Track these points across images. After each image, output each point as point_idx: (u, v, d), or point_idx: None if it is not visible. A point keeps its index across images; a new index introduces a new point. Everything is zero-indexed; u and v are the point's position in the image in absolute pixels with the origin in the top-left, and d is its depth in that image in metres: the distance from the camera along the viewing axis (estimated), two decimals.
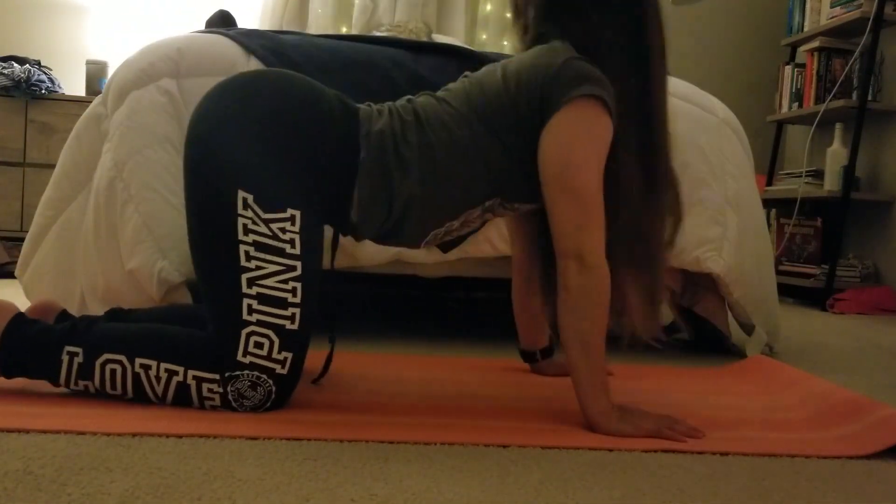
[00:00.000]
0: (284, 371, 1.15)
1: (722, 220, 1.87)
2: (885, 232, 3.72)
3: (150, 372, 1.14)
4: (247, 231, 1.13)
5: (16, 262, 1.90)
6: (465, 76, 1.33)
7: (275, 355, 1.14)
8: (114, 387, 1.15)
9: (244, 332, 1.13)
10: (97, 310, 1.59)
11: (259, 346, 1.13)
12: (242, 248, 1.13)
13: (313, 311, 1.18)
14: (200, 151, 1.18)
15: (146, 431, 1.02)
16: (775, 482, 0.96)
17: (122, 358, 1.14)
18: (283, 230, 1.14)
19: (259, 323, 1.13)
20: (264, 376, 1.14)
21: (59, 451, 0.93)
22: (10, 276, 3.06)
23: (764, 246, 1.99)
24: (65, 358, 1.15)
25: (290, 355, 1.15)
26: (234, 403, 1.15)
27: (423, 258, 1.79)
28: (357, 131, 1.22)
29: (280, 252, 1.14)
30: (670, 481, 0.95)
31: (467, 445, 1.05)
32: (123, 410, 1.12)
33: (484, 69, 1.32)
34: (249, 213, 1.13)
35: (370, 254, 1.76)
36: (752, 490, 0.93)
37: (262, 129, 1.17)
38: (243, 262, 1.13)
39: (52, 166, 1.91)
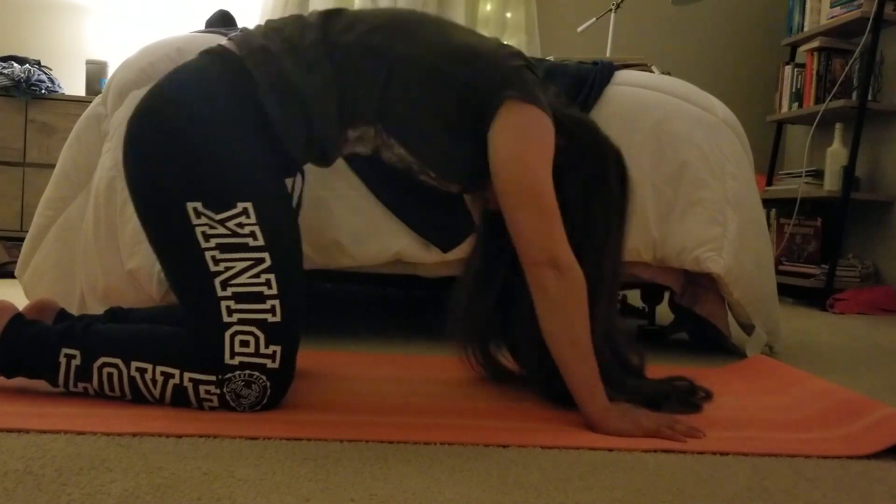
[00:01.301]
0: (276, 365, 1.15)
1: (722, 220, 1.87)
2: (885, 232, 3.72)
3: (146, 375, 1.14)
4: (207, 237, 1.13)
5: (16, 262, 1.90)
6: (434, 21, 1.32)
7: (263, 350, 1.14)
8: (112, 389, 1.16)
9: (227, 333, 1.13)
10: (97, 309, 1.59)
11: (245, 344, 1.13)
12: (208, 254, 1.14)
13: (296, 300, 1.17)
14: (141, 188, 1.19)
15: (146, 431, 1.02)
16: (775, 482, 0.96)
17: (118, 361, 1.14)
18: (241, 225, 1.14)
19: (241, 322, 1.13)
20: (256, 373, 1.14)
21: (59, 451, 0.93)
22: (10, 276, 3.06)
23: (764, 246, 1.99)
24: (62, 360, 1.15)
25: (278, 348, 1.15)
26: (232, 403, 1.15)
27: (423, 258, 1.79)
28: (241, 61, 1.20)
29: (243, 247, 1.14)
30: (670, 481, 0.95)
31: (467, 445, 1.05)
32: (123, 410, 1.12)
33: (454, 29, 1.32)
34: (203, 220, 1.13)
35: (370, 254, 1.76)
36: (752, 490, 0.93)
37: (182, 144, 1.16)
38: (213, 268, 1.13)
39: (52, 166, 1.92)
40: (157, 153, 1.17)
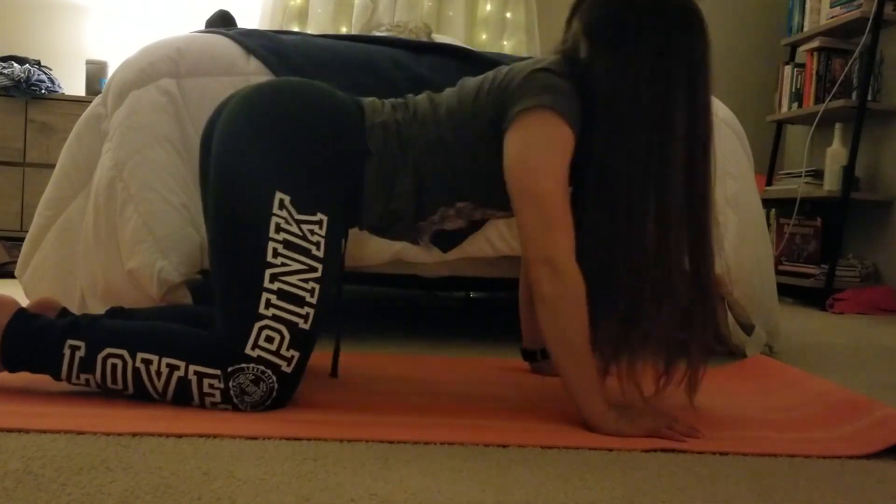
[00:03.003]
0: (289, 370, 1.16)
1: (722, 220, 1.87)
2: (885, 232, 3.72)
3: (150, 367, 1.15)
4: (279, 229, 1.17)
5: (16, 262, 1.90)
6: (463, 81, 1.36)
7: (283, 352, 1.15)
8: (115, 381, 1.16)
9: (258, 325, 1.14)
10: (97, 309, 1.59)
11: (270, 340, 1.15)
12: (272, 244, 1.16)
13: (324, 316, 1.20)
14: (233, 160, 1.21)
15: (146, 431, 1.02)
16: (775, 482, 0.96)
17: (124, 352, 1.15)
18: (312, 232, 1.19)
19: (274, 318, 1.15)
20: (269, 371, 1.15)
21: (59, 451, 0.93)
22: (10, 275, 3.06)
23: (764, 246, 1.99)
24: (67, 352, 1.16)
25: (297, 354, 1.16)
26: (235, 399, 1.15)
27: (423, 258, 1.79)
28: (362, 124, 1.28)
29: (307, 252, 1.18)
30: (670, 481, 0.95)
31: (467, 445, 1.05)
32: (123, 410, 1.12)
33: (476, 78, 1.35)
34: (284, 213, 1.17)
35: (371, 253, 1.76)
36: (752, 490, 0.93)
37: (289, 138, 1.22)
38: (269, 258, 1.16)
39: (52, 166, 1.91)
40: (272, 129, 1.22)
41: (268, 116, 1.23)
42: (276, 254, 1.16)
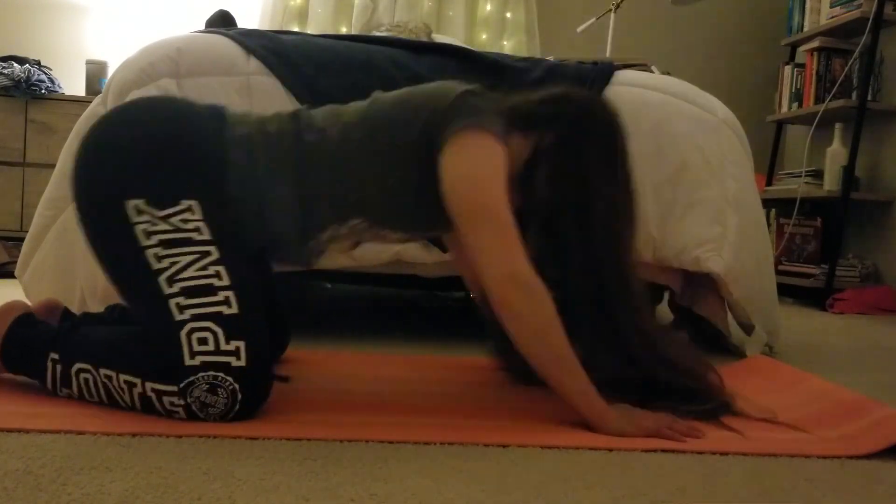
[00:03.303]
0: (242, 362, 1.08)
1: (722, 219, 1.87)
2: (885, 232, 3.72)
3: (112, 382, 1.11)
4: (148, 235, 1.11)
5: (16, 262, 1.90)
6: (375, 96, 1.29)
7: (223, 346, 1.08)
8: (90, 395, 1.13)
9: (183, 333, 1.08)
10: (97, 309, 1.59)
11: (203, 341, 1.07)
12: (149, 251, 1.11)
13: (252, 296, 1.14)
14: (83, 181, 1.17)
15: (146, 431, 1.02)
16: (775, 482, 0.96)
17: (90, 367, 1.12)
18: (185, 220, 1.12)
19: (195, 318, 1.08)
20: (220, 374, 1.07)
21: (59, 451, 0.93)
22: (10, 275, 3.05)
23: (764, 246, 1.99)
24: (49, 364, 1.15)
25: (241, 343, 1.08)
26: (200, 414, 1.08)
27: (423, 258, 1.79)
28: (220, 131, 1.21)
29: (188, 242, 1.11)
30: (670, 481, 0.95)
31: (467, 445, 1.05)
32: (123, 410, 1.11)
33: (393, 93, 1.28)
34: (145, 217, 1.11)
35: (370, 254, 1.76)
36: (752, 490, 0.93)
37: (130, 146, 1.16)
38: (156, 266, 1.10)
39: (52, 166, 1.91)
40: (111, 147, 1.17)
41: (106, 138, 1.18)
42: (158, 258, 1.10)
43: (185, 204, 1.13)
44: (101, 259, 1.19)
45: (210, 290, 1.10)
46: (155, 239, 1.11)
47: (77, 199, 1.18)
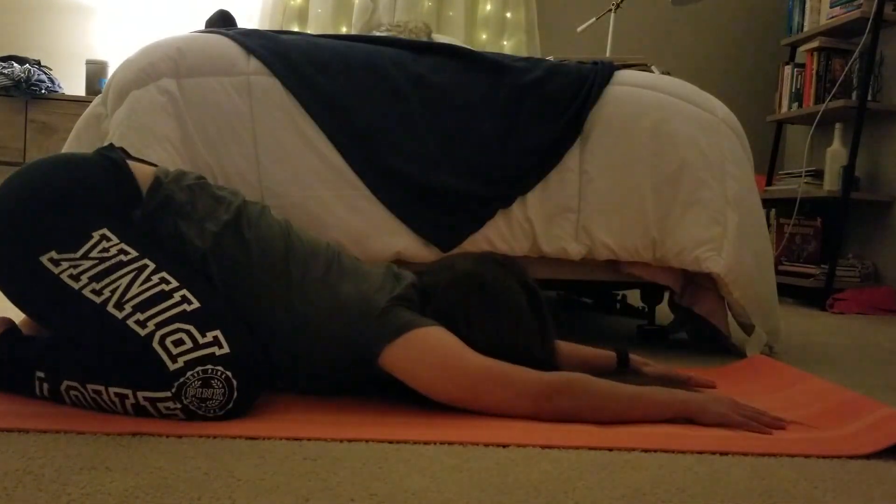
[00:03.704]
0: (225, 349, 1.07)
1: (722, 219, 1.87)
2: (885, 232, 3.72)
3: (102, 397, 1.08)
4: (76, 277, 1.10)
5: None
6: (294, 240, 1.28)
7: (202, 340, 1.06)
8: (84, 407, 1.12)
9: (154, 343, 1.06)
10: None
11: (179, 343, 1.06)
12: (86, 290, 1.09)
13: (207, 290, 1.14)
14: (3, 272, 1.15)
15: (146, 431, 1.02)
16: (775, 482, 0.96)
17: (77, 384, 1.10)
18: (105, 249, 1.11)
19: (159, 325, 1.07)
20: (209, 366, 1.05)
21: (59, 451, 0.93)
22: None
23: (764, 246, 1.99)
24: (36, 383, 1.14)
25: (217, 332, 1.07)
26: (199, 412, 1.07)
27: (424, 258, 1.79)
28: (133, 184, 1.21)
29: (118, 265, 1.11)
30: (670, 481, 0.95)
31: (467, 445, 1.05)
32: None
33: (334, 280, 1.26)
34: (65, 264, 1.10)
35: (370, 254, 1.76)
36: (752, 490, 0.93)
37: (30, 200, 1.15)
38: (98, 300, 1.09)
39: None
40: (10, 216, 1.14)
41: (7, 207, 1.15)
42: (97, 292, 1.09)
43: (97, 235, 1.12)
44: (42, 315, 1.18)
45: (163, 295, 1.09)
46: (84, 278, 1.10)
47: None
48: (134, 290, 1.09)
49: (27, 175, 1.18)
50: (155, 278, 1.10)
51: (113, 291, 1.09)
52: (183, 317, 1.08)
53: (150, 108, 1.70)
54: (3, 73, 3.44)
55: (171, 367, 1.05)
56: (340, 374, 1.25)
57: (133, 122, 1.68)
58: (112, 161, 1.23)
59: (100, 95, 1.83)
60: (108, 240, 1.12)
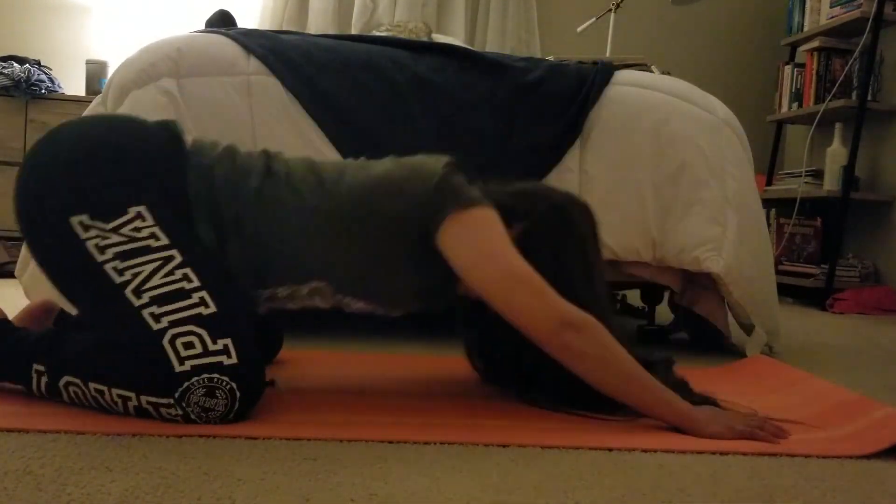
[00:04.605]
0: (234, 360, 1.06)
1: (722, 219, 1.88)
2: (885, 232, 3.72)
3: (104, 397, 1.07)
4: (102, 249, 1.08)
5: (16, 262, 1.90)
6: (352, 162, 1.29)
7: (211, 347, 1.05)
8: (82, 405, 1.11)
9: (165, 341, 1.05)
10: None
11: (189, 346, 1.05)
12: (107, 266, 1.07)
13: (228, 291, 1.12)
14: (24, 201, 1.14)
15: (146, 431, 1.02)
16: (775, 482, 0.96)
17: (79, 381, 1.09)
18: (137, 229, 1.09)
19: (173, 324, 1.05)
20: (215, 375, 1.04)
21: (59, 451, 0.93)
22: (11, 275, 3.05)
23: (764, 246, 1.99)
24: (34, 376, 1.12)
25: (227, 341, 1.06)
26: (201, 420, 1.06)
27: None
28: (185, 161, 1.19)
29: (146, 250, 1.08)
30: (670, 481, 0.95)
31: (467, 445, 1.05)
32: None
33: (373, 164, 1.27)
34: (94, 232, 1.08)
35: None
36: (752, 490, 0.93)
37: (78, 158, 1.13)
38: (118, 280, 1.07)
39: None
40: (37, 170, 1.13)
41: (44, 155, 1.15)
42: (118, 271, 1.07)
43: (132, 212, 1.09)
44: (58, 280, 1.15)
45: (182, 294, 1.07)
46: (110, 253, 1.08)
47: (20, 220, 1.15)
48: (155, 280, 1.07)
49: (86, 126, 1.17)
50: (178, 273, 1.08)
51: (135, 276, 1.07)
52: (198, 320, 1.06)
53: (151, 108, 1.70)
54: (3, 73, 3.44)
55: (178, 368, 1.04)
56: (391, 276, 1.23)
57: None
58: (172, 134, 1.21)
59: (100, 95, 1.83)
60: (143, 219, 1.09)
